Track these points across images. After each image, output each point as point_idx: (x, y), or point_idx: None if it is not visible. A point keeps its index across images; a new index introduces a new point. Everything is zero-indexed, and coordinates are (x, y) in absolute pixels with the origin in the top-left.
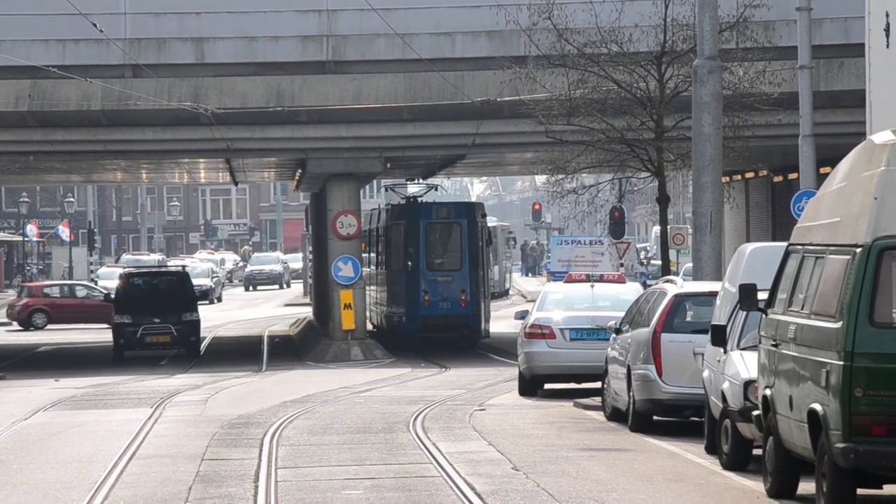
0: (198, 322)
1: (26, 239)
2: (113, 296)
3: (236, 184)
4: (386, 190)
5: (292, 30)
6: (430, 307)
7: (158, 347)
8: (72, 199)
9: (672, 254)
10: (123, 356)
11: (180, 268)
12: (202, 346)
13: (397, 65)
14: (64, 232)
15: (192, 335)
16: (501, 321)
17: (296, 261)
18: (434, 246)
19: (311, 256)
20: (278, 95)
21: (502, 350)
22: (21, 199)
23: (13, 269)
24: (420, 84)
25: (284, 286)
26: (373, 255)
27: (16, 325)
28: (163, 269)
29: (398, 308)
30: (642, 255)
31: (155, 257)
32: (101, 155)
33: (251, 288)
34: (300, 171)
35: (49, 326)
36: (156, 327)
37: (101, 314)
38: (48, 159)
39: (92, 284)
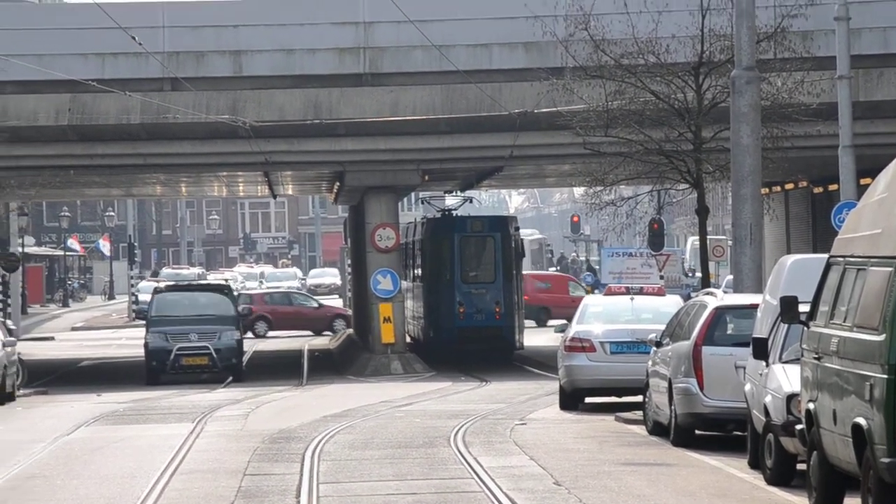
0: (239, 342)
1: (69, 253)
2: (145, 312)
3: (275, 197)
4: (422, 202)
5: (329, 42)
6: (464, 319)
7: (195, 371)
8: (112, 213)
9: (710, 266)
10: (158, 381)
11: (223, 281)
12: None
13: (434, 77)
14: (105, 246)
15: (233, 356)
16: (541, 334)
17: (326, 276)
18: (468, 259)
19: (349, 269)
20: (316, 108)
21: (542, 363)
22: (62, 214)
23: (55, 283)
24: (457, 96)
25: None
26: (409, 268)
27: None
28: (202, 283)
29: (434, 320)
30: (686, 266)
31: (195, 271)
32: (140, 168)
33: None
34: (338, 183)
35: (270, 334)
36: (192, 348)
37: (317, 322)
38: (88, 173)
39: (307, 294)
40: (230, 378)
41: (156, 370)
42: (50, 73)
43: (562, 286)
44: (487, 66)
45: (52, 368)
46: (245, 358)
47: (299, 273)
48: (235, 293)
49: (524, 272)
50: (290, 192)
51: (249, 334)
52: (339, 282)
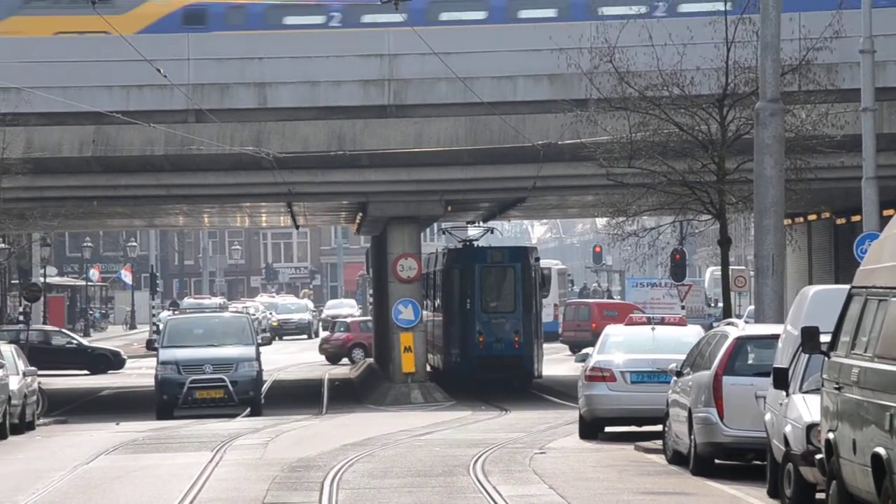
0: (258, 374)
1: (89, 283)
2: (157, 343)
3: (297, 227)
4: (443, 233)
5: (354, 74)
6: (484, 348)
7: (209, 405)
8: (134, 244)
9: (732, 296)
10: (170, 415)
11: (241, 308)
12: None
13: (458, 108)
14: (127, 276)
15: (251, 389)
16: (562, 364)
17: (343, 307)
18: (488, 289)
19: (371, 299)
20: (339, 139)
21: (562, 392)
22: (84, 244)
23: (76, 312)
24: (481, 127)
25: (313, 336)
26: (430, 298)
27: (322, 360)
28: (218, 309)
29: (454, 349)
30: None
31: (216, 301)
32: (163, 199)
33: (275, 339)
34: (361, 214)
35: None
36: (207, 380)
37: None
38: (112, 204)
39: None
40: (248, 410)
41: (167, 404)
42: (75, 105)
43: (628, 314)
44: (511, 98)
45: (72, 398)
46: (266, 386)
47: (311, 305)
48: (255, 320)
49: (590, 301)
50: (312, 222)
51: (346, 360)
52: (356, 313)
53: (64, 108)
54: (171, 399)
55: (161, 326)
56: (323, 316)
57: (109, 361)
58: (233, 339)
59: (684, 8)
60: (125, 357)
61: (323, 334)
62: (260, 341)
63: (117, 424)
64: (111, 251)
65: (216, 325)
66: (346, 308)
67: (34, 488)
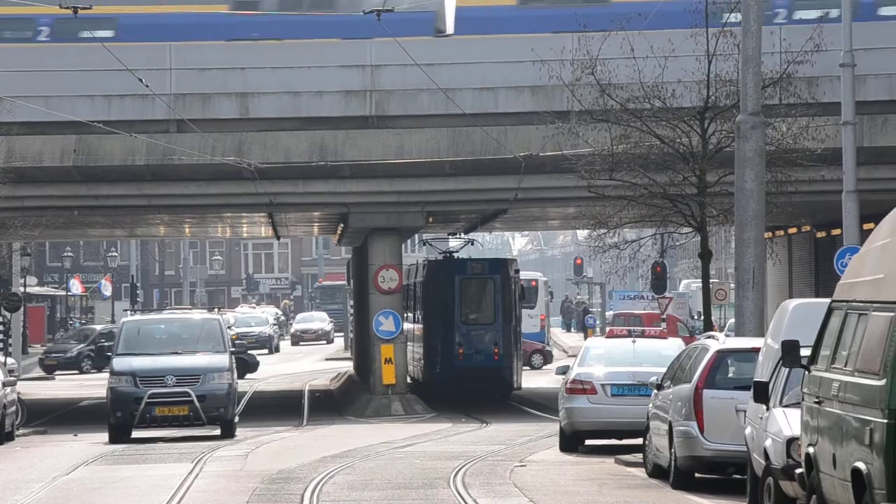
0: (231, 387)
1: (69, 293)
2: (111, 351)
3: (278, 238)
4: (424, 244)
5: (336, 85)
6: (463, 359)
7: (171, 422)
8: (115, 254)
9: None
10: (125, 437)
11: (212, 310)
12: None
13: (440, 119)
14: (106, 287)
15: (222, 405)
16: (542, 376)
17: (314, 320)
18: (468, 300)
19: (351, 310)
20: (321, 150)
21: (543, 405)
22: (65, 254)
23: (56, 323)
24: (463, 139)
25: (274, 350)
26: (411, 309)
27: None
28: (183, 311)
29: (434, 360)
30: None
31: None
32: (145, 209)
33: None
34: (342, 225)
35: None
36: (169, 395)
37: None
38: (92, 214)
39: None
40: (218, 432)
41: (122, 422)
42: (56, 115)
43: (672, 328)
44: (493, 110)
45: (52, 408)
46: (245, 398)
47: (271, 318)
48: (227, 324)
49: (639, 312)
50: (293, 233)
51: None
52: (327, 327)
53: (45, 118)
54: (125, 416)
55: (116, 330)
56: (292, 330)
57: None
58: (202, 345)
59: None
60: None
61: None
62: (234, 349)
63: (75, 436)
64: (92, 261)
65: (182, 330)
66: (318, 322)
67: (13, 499)
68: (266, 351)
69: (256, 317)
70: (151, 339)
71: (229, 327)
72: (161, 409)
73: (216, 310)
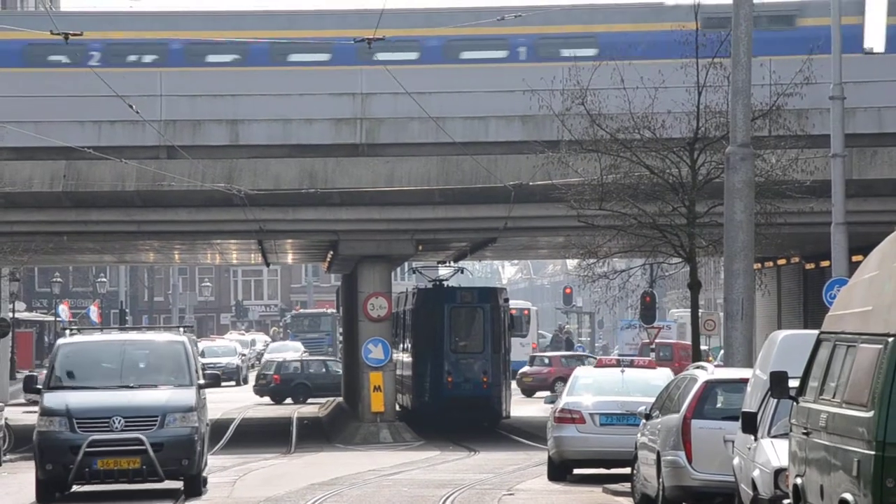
0: (195, 431)
1: (58, 319)
2: (40, 383)
3: (268, 265)
4: (414, 272)
5: (326, 113)
6: (452, 388)
7: (119, 478)
8: (104, 279)
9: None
10: (63, 493)
11: (178, 329)
12: (224, 439)
13: (430, 148)
14: (94, 312)
15: (185, 455)
16: (531, 404)
17: (288, 350)
18: (458, 329)
19: (340, 338)
20: (311, 177)
21: (531, 434)
22: (54, 279)
23: (45, 348)
24: (453, 167)
25: (242, 382)
26: (400, 337)
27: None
28: (138, 336)
29: (423, 388)
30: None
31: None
32: (134, 235)
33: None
34: (332, 252)
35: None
36: (114, 442)
37: None
38: (82, 239)
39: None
40: (182, 497)
41: (53, 478)
42: (46, 140)
43: (679, 355)
44: (483, 139)
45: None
46: (234, 425)
47: (240, 348)
48: (197, 348)
49: (670, 341)
50: (283, 260)
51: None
52: (300, 356)
53: (35, 143)
54: (57, 470)
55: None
56: (264, 359)
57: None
58: (161, 376)
59: None
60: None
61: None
62: (203, 381)
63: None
64: (81, 286)
65: (136, 355)
66: (291, 351)
67: None
68: (233, 383)
69: (224, 346)
70: (95, 367)
71: (201, 353)
72: (105, 462)
73: (182, 329)
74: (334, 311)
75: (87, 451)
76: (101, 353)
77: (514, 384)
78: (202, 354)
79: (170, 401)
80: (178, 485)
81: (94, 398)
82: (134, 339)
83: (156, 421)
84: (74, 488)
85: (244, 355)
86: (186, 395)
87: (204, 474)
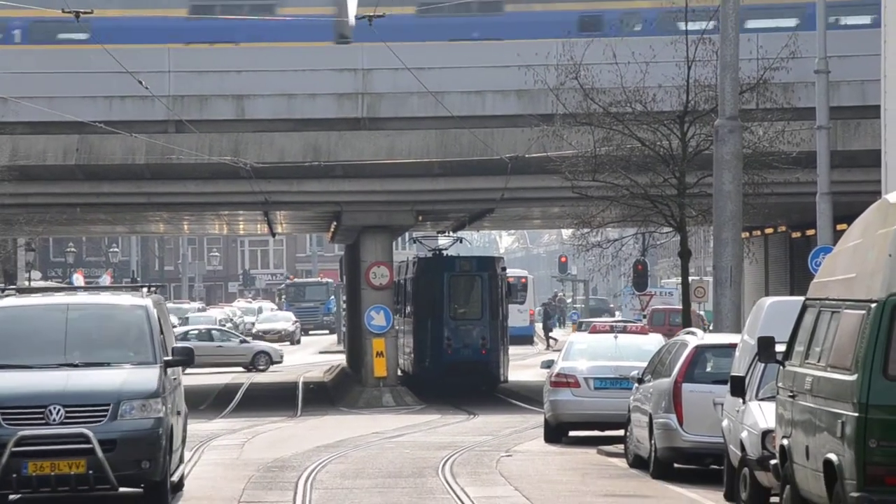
0: (160, 423)
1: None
2: None
3: (273, 235)
4: (414, 242)
5: (329, 88)
6: (452, 353)
7: (57, 485)
8: (116, 250)
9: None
10: None
11: (142, 292)
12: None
13: (429, 122)
14: (106, 281)
15: (144, 455)
16: (527, 369)
17: (278, 320)
18: (457, 297)
19: (344, 306)
20: (315, 150)
21: (528, 398)
22: (68, 249)
23: None
24: (451, 140)
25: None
26: (401, 304)
27: None
28: (88, 299)
29: (424, 354)
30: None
31: (195, 305)
32: (144, 207)
33: None
34: (335, 223)
35: None
36: (51, 439)
37: None
38: (94, 211)
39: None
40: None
41: None
42: (59, 115)
43: (696, 320)
44: (481, 112)
45: None
46: (242, 390)
47: (220, 315)
48: (165, 311)
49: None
50: (288, 230)
51: None
52: (290, 328)
53: (49, 118)
54: None
55: None
56: (254, 330)
57: (269, 359)
58: (116, 351)
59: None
60: (282, 354)
61: None
62: (172, 357)
63: None
64: (94, 256)
65: (84, 325)
66: (282, 322)
67: None
68: None
69: (208, 316)
70: (29, 340)
71: (183, 319)
72: (39, 465)
73: (148, 290)
74: (330, 280)
75: (14, 452)
76: (37, 322)
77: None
78: (186, 321)
79: (126, 384)
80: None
81: (24, 381)
82: (82, 302)
83: (106, 411)
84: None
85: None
86: (148, 377)
87: (175, 478)
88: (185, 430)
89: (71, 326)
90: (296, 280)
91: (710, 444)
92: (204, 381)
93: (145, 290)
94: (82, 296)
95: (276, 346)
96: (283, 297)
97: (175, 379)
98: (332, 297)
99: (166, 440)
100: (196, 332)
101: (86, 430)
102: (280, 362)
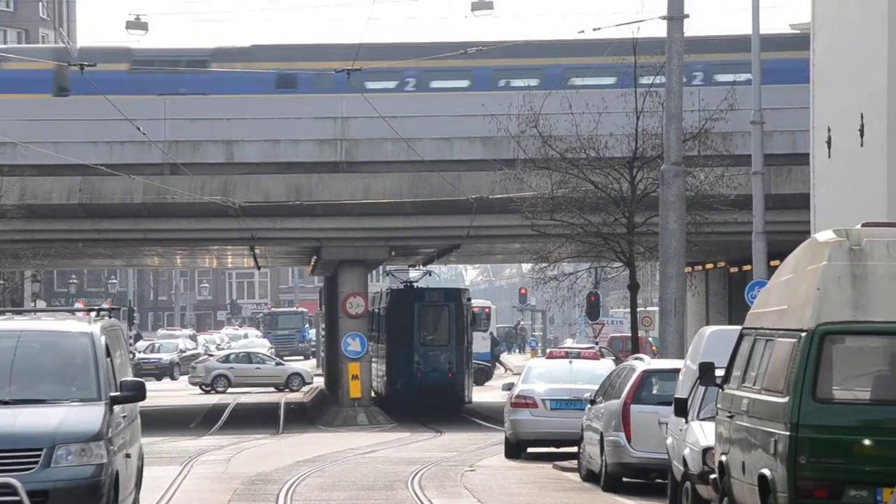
0: (102, 472)
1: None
2: None
3: (259, 268)
4: (388, 274)
5: (311, 134)
6: (421, 377)
7: None
8: (114, 281)
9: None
10: None
11: (90, 317)
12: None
13: (402, 165)
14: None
15: None
16: (489, 391)
17: (255, 347)
18: (426, 325)
19: (323, 333)
20: (297, 191)
21: (490, 417)
22: (70, 280)
23: None
24: (422, 182)
25: (173, 378)
26: (376, 332)
27: None
28: (25, 324)
29: (395, 377)
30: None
31: (186, 332)
32: (141, 242)
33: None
34: (315, 257)
35: None
36: None
37: None
38: (95, 246)
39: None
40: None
41: None
42: (64, 158)
43: (644, 347)
44: (449, 157)
45: None
46: (228, 410)
47: (181, 344)
48: (121, 337)
49: (627, 334)
50: (272, 264)
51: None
52: (170, 357)
53: (55, 161)
54: None
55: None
56: (134, 359)
57: (301, 380)
58: (56, 386)
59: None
60: (312, 376)
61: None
62: (120, 393)
63: None
64: (94, 287)
65: (16, 353)
66: (258, 347)
67: None
68: (167, 379)
69: (168, 343)
70: None
71: (135, 345)
72: None
73: (97, 315)
74: (305, 309)
75: None
76: None
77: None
78: (155, 349)
79: (63, 425)
80: None
81: None
82: (17, 329)
83: (38, 457)
84: None
85: (184, 351)
86: (89, 416)
87: None
88: (140, 474)
89: (17, 355)
90: (273, 309)
91: (655, 460)
92: (194, 401)
93: (93, 314)
94: (18, 321)
95: (307, 368)
96: (262, 325)
97: (126, 416)
98: (308, 325)
99: (110, 490)
100: (235, 355)
101: (13, 480)
102: (311, 383)
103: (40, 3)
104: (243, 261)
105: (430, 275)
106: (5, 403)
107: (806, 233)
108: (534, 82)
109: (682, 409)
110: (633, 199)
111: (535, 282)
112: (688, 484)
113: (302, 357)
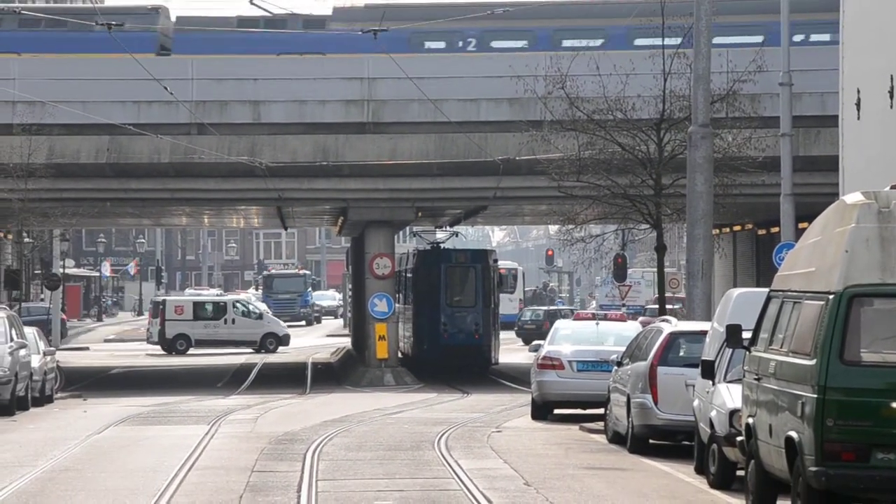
0: None
1: (102, 275)
2: None
3: (286, 228)
4: (414, 235)
5: (337, 95)
6: (448, 338)
7: None
8: (142, 240)
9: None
10: None
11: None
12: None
13: (429, 126)
14: (132, 268)
15: None
16: (517, 353)
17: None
18: (453, 286)
19: (350, 293)
20: (324, 152)
21: (517, 378)
22: (98, 240)
23: (91, 300)
24: (449, 144)
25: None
26: (402, 293)
27: None
28: None
29: (422, 338)
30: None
31: (213, 291)
32: (168, 202)
33: None
34: (342, 218)
35: None
36: None
37: None
38: (123, 205)
39: None
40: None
41: None
42: (92, 118)
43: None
44: (476, 119)
45: (86, 375)
46: (255, 370)
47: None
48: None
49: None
50: (299, 224)
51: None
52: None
53: (82, 120)
54: None
55: None
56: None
57: (277, 340)
58: None
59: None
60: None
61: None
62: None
63: (84, 399)
64: (122, 246)
65: None
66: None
67: (51, 455)
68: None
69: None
70: None
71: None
72: None
73: None
74: (307, 271)
75: None
76: None
77: (514, 332)
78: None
79: None
80: None
81: None
82: None
83: None
84: None
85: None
86: None
87: None
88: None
89: None
90: (273, 271)
91: (682, 422)
92: (221, 361)
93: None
94: None
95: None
96: (260, 287)
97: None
98: (310, 288)
99: None
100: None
101: None
102: (287, 344)
103: None
104: (270, 221)
105: (456, 236)
106: None
107: (834, 195)
108: (596, 43)
109: (708, 371)
110: (660, 160)
111: (562, 243)
112: (714, 446)
113: (304, 323)
